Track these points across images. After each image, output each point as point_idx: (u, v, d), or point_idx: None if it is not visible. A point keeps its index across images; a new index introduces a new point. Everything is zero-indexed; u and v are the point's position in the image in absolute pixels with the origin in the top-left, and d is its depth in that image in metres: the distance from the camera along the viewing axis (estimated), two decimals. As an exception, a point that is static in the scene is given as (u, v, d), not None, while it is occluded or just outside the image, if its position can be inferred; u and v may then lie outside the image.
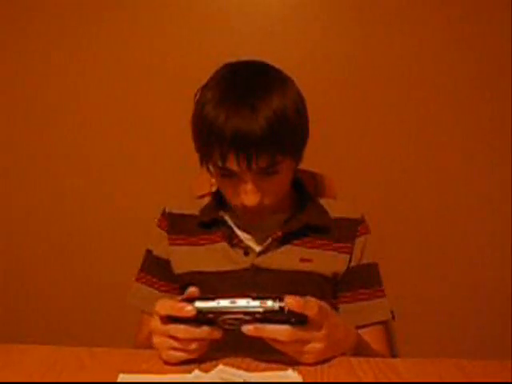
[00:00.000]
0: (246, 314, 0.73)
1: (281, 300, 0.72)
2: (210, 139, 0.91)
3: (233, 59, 0.98)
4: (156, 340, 0.78)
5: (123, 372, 0.74)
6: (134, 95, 1.47)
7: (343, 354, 0.81)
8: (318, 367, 0.77)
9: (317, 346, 0.76)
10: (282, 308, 0.72)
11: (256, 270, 1.01)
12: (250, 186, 0.93)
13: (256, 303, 0.72)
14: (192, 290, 0.79)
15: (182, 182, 1.33)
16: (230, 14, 1.42)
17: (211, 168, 0.98)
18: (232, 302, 0.73)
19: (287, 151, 0.93)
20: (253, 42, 1.41)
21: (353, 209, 1.11)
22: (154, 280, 1.09)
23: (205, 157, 0.96)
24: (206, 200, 1.13)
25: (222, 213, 1.08)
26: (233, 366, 0.75)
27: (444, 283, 1.47)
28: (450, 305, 1.48)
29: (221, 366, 0.75)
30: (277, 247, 1.03)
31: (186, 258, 1.06)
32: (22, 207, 1.54)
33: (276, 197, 0.98)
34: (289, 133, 0.92)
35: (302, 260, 1.02)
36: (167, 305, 0.76)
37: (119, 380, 0.73)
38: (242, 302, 0.73)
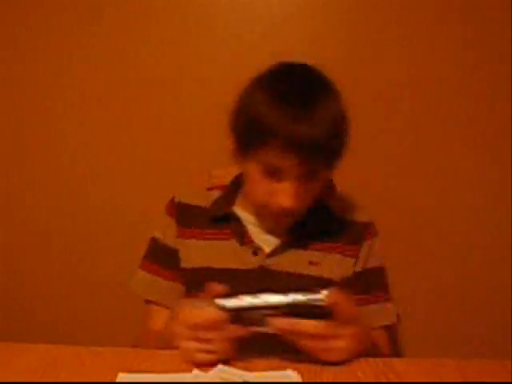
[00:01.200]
0: (271, 308, 0.73)
1: (315, 292, 0.73)
2: (264, 139, 0.90)
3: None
4: (183, 345, 0.78)
5: (122, 371, 0.74)
6: (134, 95, 1.46)
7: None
8: (318, 367, 0.77)
9: (340, 343, 0.77)
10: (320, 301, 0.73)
11: (264, 271, 1.00)
12: (291, 188, 0.92)
13: (298, 296, 0.73)
14: (215, 288, 0.79)
15: (182, 181, 1.33)
16: (231, 15, 1.41)
17: (251, 163, 0.95)
18: (256, 297, 0.73)
19: (335, 158, 0.95)
20: (254, 43, 1.40)
21: (361, 212, 1.10)
22: (160, 269, 1.06)
23: (249, 152, 0.94)
24: (216, 193, 1.10)
25: (234, 208, 1.06)
26: (232, 365, 0.75)
27: (444, 283, 1.47)
28: (450, 305, 1.48)
29: (220, 366, 0.75)
30: (286, 249, 1.02)
31: (194, 252, 1.04)
32: (22, 206, 1.53)
33: (307, 203, 0.97)
34: (340, 139, 0.94)
35: (311, 263, 1.01)
36: (194, 314, 0.77)
37: (118, 379, 0.73)
38: (272, 297, 0.73)
